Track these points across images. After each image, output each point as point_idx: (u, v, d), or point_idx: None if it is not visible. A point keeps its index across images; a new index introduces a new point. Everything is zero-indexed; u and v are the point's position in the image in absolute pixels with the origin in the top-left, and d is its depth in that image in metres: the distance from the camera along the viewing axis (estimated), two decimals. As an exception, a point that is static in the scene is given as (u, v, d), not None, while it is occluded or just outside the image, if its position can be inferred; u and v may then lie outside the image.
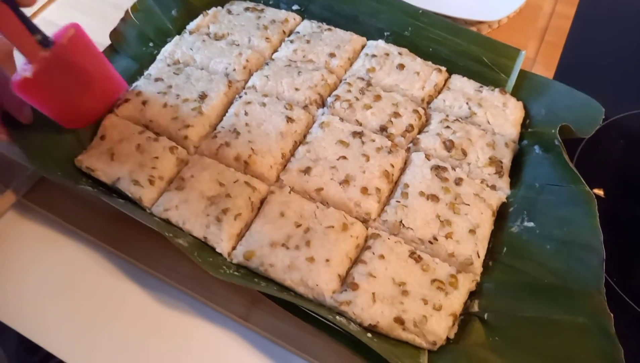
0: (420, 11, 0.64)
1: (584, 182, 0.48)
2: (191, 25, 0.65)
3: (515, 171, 0.55)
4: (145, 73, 0.59)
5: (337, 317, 0.44)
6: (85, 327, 0.47)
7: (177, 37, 0.63)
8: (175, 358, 0.46)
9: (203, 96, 0.56)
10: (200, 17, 0.65)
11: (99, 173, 0.51)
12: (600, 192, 0.62)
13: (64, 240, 0.52)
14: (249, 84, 0.59)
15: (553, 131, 0.51)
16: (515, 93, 0.60)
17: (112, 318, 0.47)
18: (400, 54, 0.62)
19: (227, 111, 0.56)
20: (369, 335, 0.43)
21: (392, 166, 0.53)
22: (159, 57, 0.62)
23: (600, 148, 0.66)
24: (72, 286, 0.49)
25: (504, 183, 0.53)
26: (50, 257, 0.51)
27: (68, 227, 0.52)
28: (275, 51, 0.63)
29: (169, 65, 0.60)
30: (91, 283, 0.49)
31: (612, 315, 0.41)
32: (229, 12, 0.66)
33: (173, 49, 0.61)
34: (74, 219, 0.52)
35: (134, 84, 0.59)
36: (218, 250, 0.47)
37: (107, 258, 0.51)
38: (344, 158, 0.52)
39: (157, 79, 0.58)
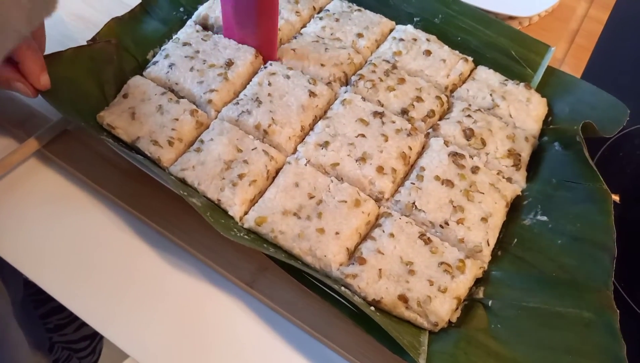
0: (453, -1, 0.64)
1: (603, 180, 0.47)
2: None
3: (533, 166, 0.55)
4: (174, 37, 0.60)
5: (342, 289, 0.44)
6: (90, 278, 0.48)
7: (209, 1, 0.63)
8: (178, 317, 0.47)
9: (229, 63, 0.56)
10: (233, -14, 0.66)
11: (119, 131, 0.52)
12: (616, 197, 0.62)
13: (78, 192, 0.53)
14: (276, 56, 0.59)
15: (575, 127, 0.51)
16: (541, 89, 0.60)
17: (119, 272, 0.48)
18: (428, 40, 0.62)
19: (251, 80, 0.57)
20: (372, 308, 0.44)
21: (410, 148, 0.53)
22: (188, 22, 0.62)
23: (621, 155, 0.65)
24: (81, 236, 0.50)
25: (520, 176, 0.53)
26: (63, 206, 0.51)
27: (84, 180, 0.52)
28: (304, 25, 0.63)
29: (197, 31, 0.60)
30: (101, 236, 0.50)
31: (618, 311, 0.41)
32: (262, -16, 0.66)
33: (206, 13, 0.62)
34: (90, 174, 0.52)
35: (162, 47, 0.59)
36: (230, 213, 0.48)
37: (118, 213, 0.51)
38: (363, 136, 0.53)
39: (185, 44, 0.58)
